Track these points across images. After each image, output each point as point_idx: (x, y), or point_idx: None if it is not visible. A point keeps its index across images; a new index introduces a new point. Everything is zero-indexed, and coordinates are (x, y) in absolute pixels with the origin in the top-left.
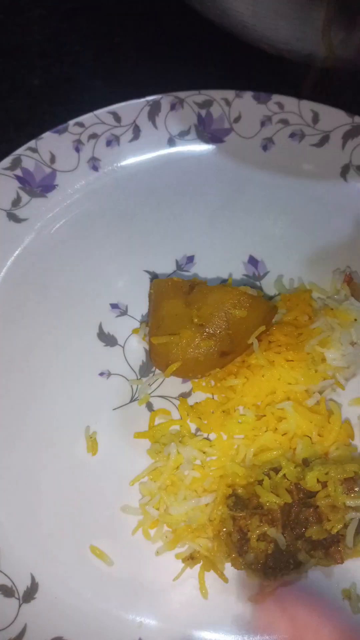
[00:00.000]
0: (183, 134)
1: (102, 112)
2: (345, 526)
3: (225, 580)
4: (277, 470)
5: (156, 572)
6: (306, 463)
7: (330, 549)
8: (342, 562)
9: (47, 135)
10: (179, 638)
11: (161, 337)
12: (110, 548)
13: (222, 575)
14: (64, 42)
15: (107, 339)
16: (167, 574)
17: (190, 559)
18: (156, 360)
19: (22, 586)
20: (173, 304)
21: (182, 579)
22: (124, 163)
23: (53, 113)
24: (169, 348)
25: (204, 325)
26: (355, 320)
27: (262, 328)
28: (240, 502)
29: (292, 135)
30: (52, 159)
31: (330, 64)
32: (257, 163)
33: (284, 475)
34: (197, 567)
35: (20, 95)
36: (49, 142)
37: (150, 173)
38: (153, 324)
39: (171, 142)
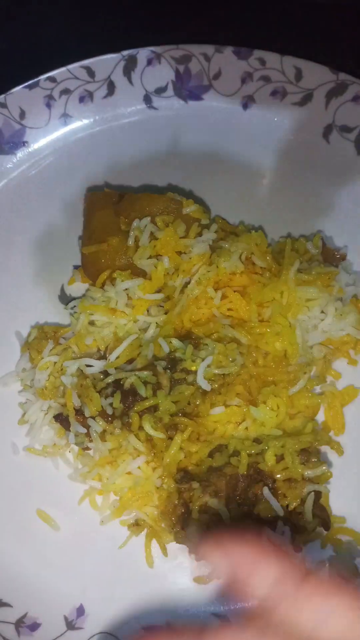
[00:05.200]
0: (160, 91)
1: (75, 66)
2: (303, 502)
3: (166, 554)
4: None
5: (103, 539)
6: (258, 441)
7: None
8: (300, 551)
9: (17, 91)
10: (122, 605)
11: (91, 247)
12: (57, 514)
13: (163, 548)
14: (29, 1)
15: (68, 301)
16: (114, 542)
17: (136, 525)
18: (88, 270)
19: None
20: (103, 214)
21: (130, 547)
22: (97, 120)
23: (22, 77)
24: (98, 257)
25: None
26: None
27: None
28: (188, 476)
29: (274, 92)
30: (22, 114)
31: None
32: (237, 122)
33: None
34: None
35: None
36: (19, 97)
37: (124, 131)
38: (85, 235)
39: (147, 99)
